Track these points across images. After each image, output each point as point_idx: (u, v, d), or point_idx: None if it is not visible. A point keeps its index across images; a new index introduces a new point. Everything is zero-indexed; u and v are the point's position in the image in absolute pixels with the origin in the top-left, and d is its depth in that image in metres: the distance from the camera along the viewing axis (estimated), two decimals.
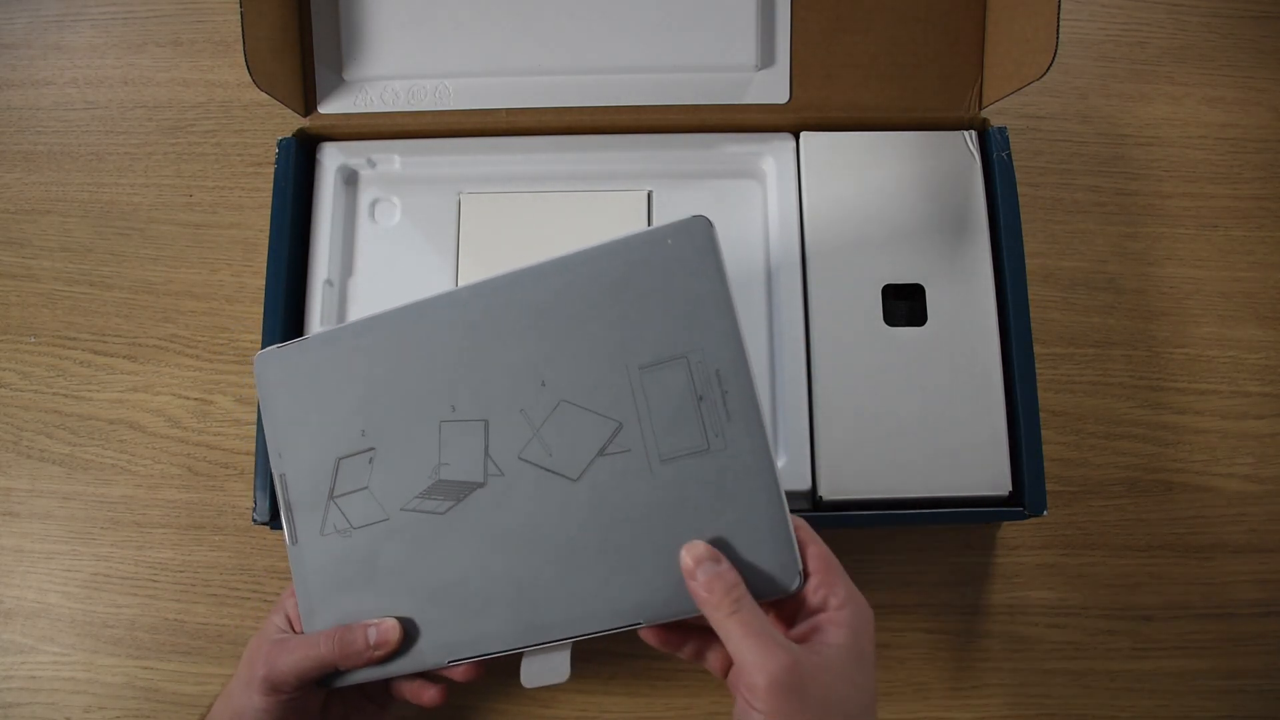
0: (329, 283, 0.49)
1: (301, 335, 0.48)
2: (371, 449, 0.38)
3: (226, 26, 0.60)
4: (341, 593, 0.39)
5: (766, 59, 0.50)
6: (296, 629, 0.40)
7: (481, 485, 0.37)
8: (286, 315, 0.47)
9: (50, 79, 0.60)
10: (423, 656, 0.38)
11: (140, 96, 0.59)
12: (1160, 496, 0.52)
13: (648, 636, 0.37)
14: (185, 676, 0.50)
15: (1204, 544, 0.51)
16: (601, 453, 0.36)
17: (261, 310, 0.47)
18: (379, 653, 0.37)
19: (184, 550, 0.51)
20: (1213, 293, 0.55)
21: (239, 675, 0.39)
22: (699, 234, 0.35)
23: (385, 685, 0.40)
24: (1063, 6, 0.41)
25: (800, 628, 0.34)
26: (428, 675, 0.39)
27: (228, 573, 0.51)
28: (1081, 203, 0.56)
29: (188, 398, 0.54)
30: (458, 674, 0.39)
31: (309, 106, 0.50)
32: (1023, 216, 0.48)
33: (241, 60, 0.44)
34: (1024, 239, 0.47)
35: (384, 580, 0.38)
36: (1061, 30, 0.41)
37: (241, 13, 0.43)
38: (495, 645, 0.37)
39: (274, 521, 0.45)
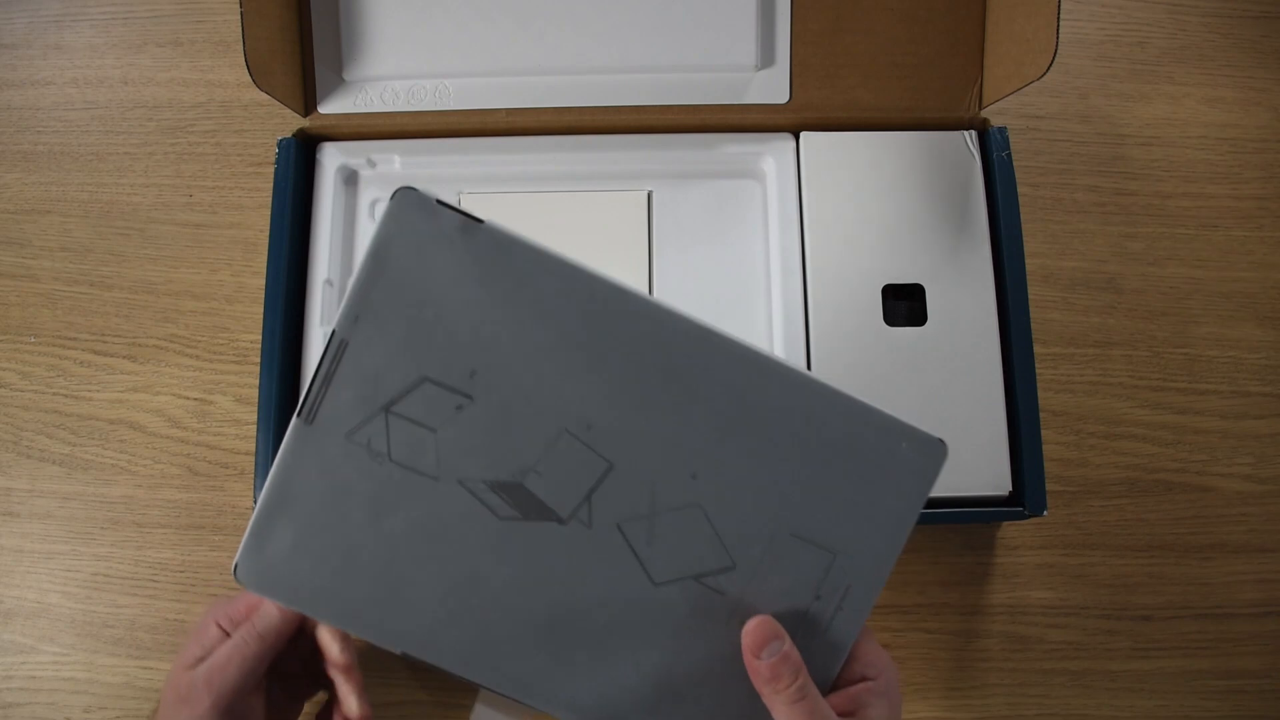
0: (329, 283, 0.49)
1: (302, 335, 0.48)
2: (468, 398, 0.31)
3: (226, 26, 0.60)
4: (326, 515, 0.32)
5: (766, 59, 0.50)
6: (223, 630, 0.37)
7: (562, 522, 0.32)
8: (286, 315, 0.47)
9: (50, 79, 0.59)
10: (380, 631, 0.33)
11: (140, 96, 0.59)
12: (1160, 496, 0.52)
13: None
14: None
15: (1204, 544, 0.51)
16: (698, 578, 0.33)
17: (261, 310, 0.47)
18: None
19: (184, 550, 0.51)
20: (1213, 293, 0.55)
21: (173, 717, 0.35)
22: (933, 462, 0.33)
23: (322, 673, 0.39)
24: (1063, 6, 0.41)
25: (837, 697, 0.34)
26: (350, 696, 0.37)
27: (228, 573, 0.51)
28: (1081, 203, 0.56)
29: (188, 398, 0.54)
30: (354, 710, 0.37)
31: (309, 106, 0.50)
32: (1023, 216, 0.48)
33: (241, 60, 0.44)
34: (1024, 239, 0.47)
35: (386, 535, 0.32)
36: (1061, 30, 0.41)
37: (241, 13, 0.43)
38: (468, 670, 0.33)
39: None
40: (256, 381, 0.46)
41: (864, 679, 0.34)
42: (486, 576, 0.32)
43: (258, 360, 0.46)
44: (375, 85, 0.50)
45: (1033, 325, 0.46)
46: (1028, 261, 0.48)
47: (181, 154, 0.58)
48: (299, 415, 0.31)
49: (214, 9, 0.60)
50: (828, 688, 0.34)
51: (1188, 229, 0.56)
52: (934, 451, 0.33)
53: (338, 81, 0.50)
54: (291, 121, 0.50)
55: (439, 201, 0.31)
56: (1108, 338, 0.54)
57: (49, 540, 0.52)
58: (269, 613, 0.36)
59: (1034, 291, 0.52)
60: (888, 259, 0.48)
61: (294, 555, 0.32)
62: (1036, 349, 0.47)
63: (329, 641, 0.37)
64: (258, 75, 0.45)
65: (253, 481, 0.45)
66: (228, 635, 0.37)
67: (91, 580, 0.51)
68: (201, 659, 0.36)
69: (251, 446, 0.52)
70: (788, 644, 0.32)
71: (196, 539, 0.52)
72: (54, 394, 0.54)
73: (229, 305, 0.55)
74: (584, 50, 0.50)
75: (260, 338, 0.47)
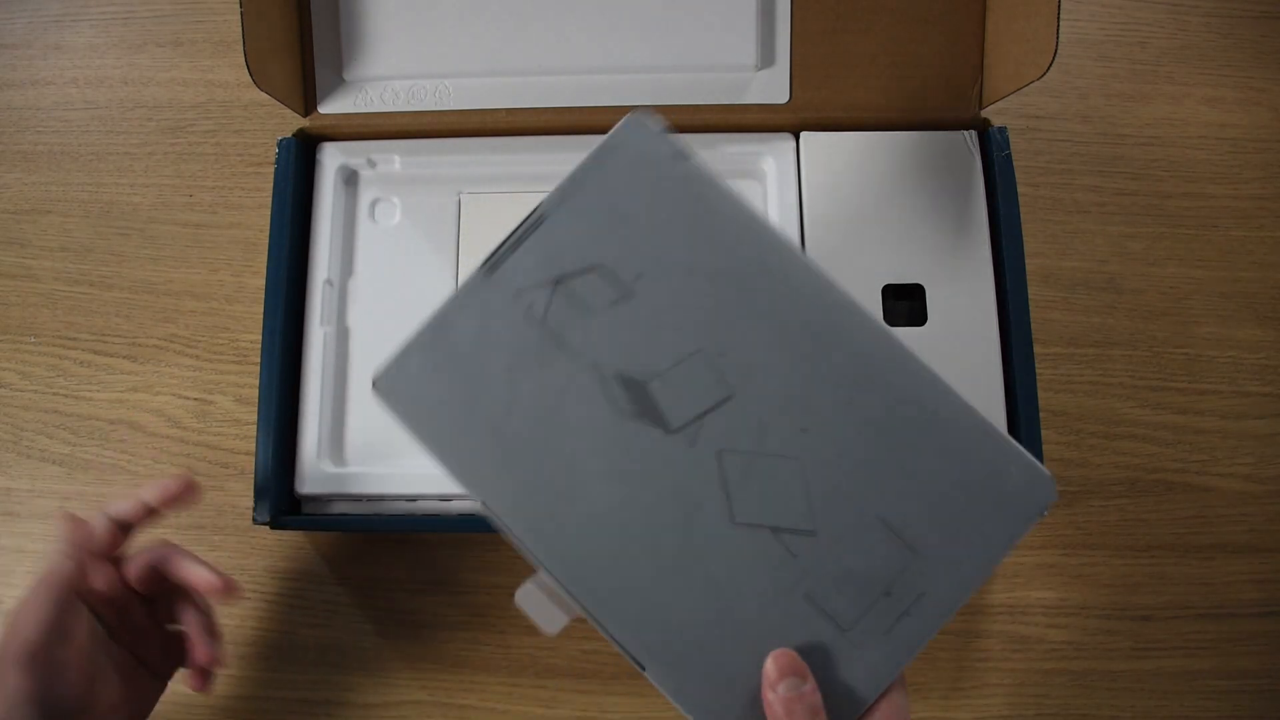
0: (329, 283, 0.49)
1: (302, 335, 0.48)
2: (628, 296, 0.34)
3: (226, 26, 0.60)
4: (470, 357, 0.34)
5: (766, 59, 0.50)
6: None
7: (669, 432, 0.33)
8: (286, 315, 0.47)
9: (50, 79, 0.60)
10: (472, 475, 0.34)
11: (140, 96, 0.59)
12: (1160, 496, 0.52)
13: None
14: (185, 676, 0.50)
15: (1204, 544, 0.51)
16: (776, 531, 0.33)
17: (261, 310, 0.47)
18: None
19: None
20: (1213, 293, 0.55)
21: None
22: (1040, 496, 0.33)
23: (166, 656, 0.41)
24: (1063, 6, 0.41)
25: None
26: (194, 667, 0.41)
27: (227, 573, 0.51)
28: (1081, 203, 0.56)
29: (188, 398, 0.54)
30: (202, 654, 0.40)
31: (309, 106, 0.50)
32: (1023, 216, 0.48)
33: (241, 60, 0.44)
34: (1024, 239, 0.47)
35: (512, 393, 0.34)
36: (1061, 30, 0.41)
37: (241, 13, 0.43)
38: (531, 540, 0.33)
39: (275, 520, 0.45)
40: (256, 381, 0.46)
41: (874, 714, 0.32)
42: (581, 460, 0.33)
43: (258, 360, 0.46)
44: (375, 85, 0.50)
45: (1033, 325, 0.46)
46: (1028, 261, 0.48)
47: (181, 154, 0.58)
48: (483, 266, 0.34)
49: (214, 9, 0.60)
50: (871, 699, 0.32)
51: (1188, 229, 0.56)
52: (1043, 486, 0.33)
53: (338, 81, 0.50)
54: (291, 121, 0.50)
55: (665, 130, 0.35)
56: (1108, 338, 0.54)
57: (49, 540, 0.52)
58: (72, 531, 0.38)
59: (1034, 291, 0.52)
60: (888, 259, 0.48)
61: (428, 383, 0.34)
62: (1036, 349, 0.47)
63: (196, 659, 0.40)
64: (258, 75, 0.45)
65: (252, 481, 0.46)
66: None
67: None
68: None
69: (251, 446, 0.52)
70: (809, 685, 0.31)
71: (196, 539, 0.52)
72: (54, 394, 0.54)
73: (229, 305, 0.55)
74: (584, 50, 0.50)
75: (260, 338, 0.47)
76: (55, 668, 0.36)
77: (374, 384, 0.34)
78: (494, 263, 0.34)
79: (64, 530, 0.40)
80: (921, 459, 0.33)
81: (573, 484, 0.33)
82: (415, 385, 0.34)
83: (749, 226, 0.34)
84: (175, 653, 0.42)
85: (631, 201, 0.34)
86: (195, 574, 0.40)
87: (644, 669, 0.32)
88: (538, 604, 0.33)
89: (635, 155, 0.35)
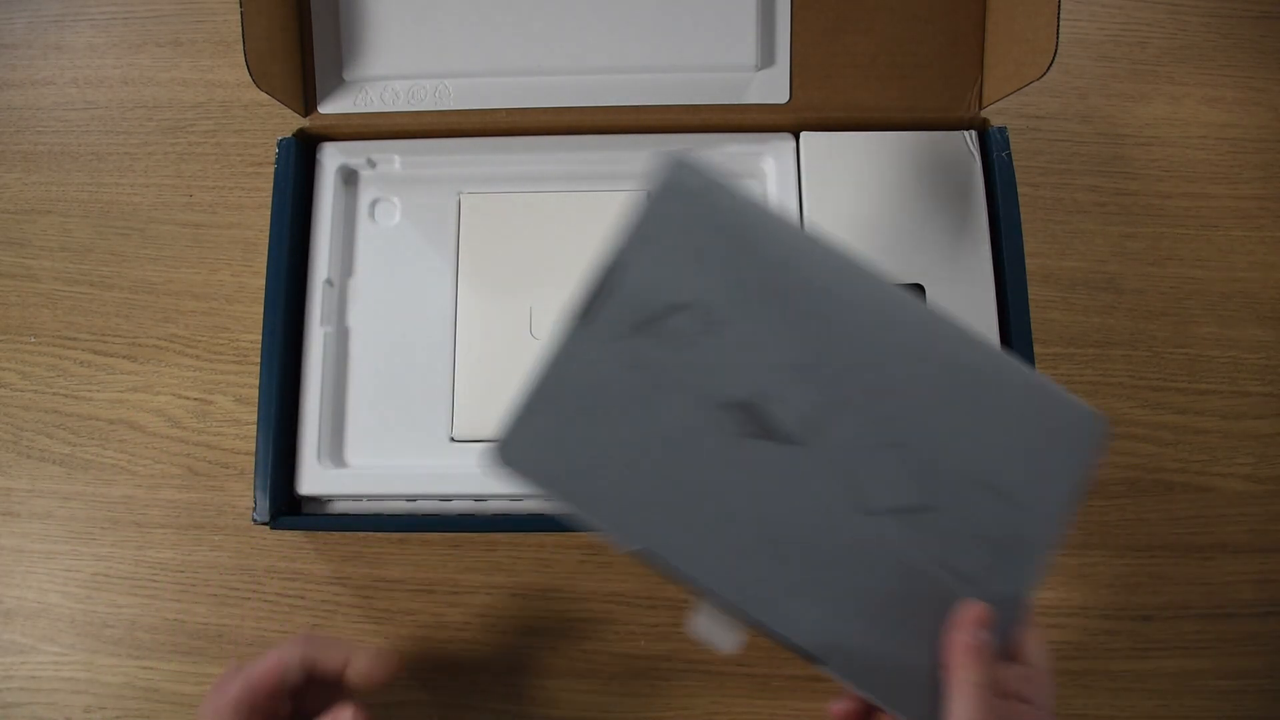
0: (329, 283, 0.49)
1: (302, 335, 0.48)
2: (724, 324, 0.35)
3: (226, 26, 0.60)
4: (586, 409, 0.35)
5: (766, 59, 0.50)
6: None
7: (792, 444, 0.35)
8: (286, 315, 0.47)
9: (50, 79, 0.60)
10: (619, 525, 0.35)
11: (140, 96, 0.59)
12: (1160, 496, 0.52)
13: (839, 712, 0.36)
14: (185, 676, 0.50)
15: (1204, 544, 0.51)
16: (902, 514, 0.35)
17: (261, 310, 0.47)
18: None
19: (184, 550, 0.51)
20: (1213, 293, 0.55)
21: None
22: (1097, 431, 0.36)
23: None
24: (1063, 6, 0.41)
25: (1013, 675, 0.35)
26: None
27: (228, 573, 0.51)
28: (1081, 203, 0.56)
29: (188, 398, 0.54)
30: (375, 669, 0.40)
31: (309, 106, 0.50)
32: (1023, 216, 0.48)
33: (241, 60, 0.44)
34: (1024, 239, 0.47)
35: (635, 435, 0.35)
36: (1061, 30, 0.41)
37: (241, 13, 0.43)
38: (696, 573, 0.34)
39: (275, 520, 0.45)
40: (256, 381, 0.46)
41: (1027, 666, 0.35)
42: (717, 487, 0.35)
43: (258, 360, 0.46)
44: (375, 85, 0.50)
45: (1033, 325, 0.46)
46: (1028, 261, 0.48)
47: (181, 154, 0.58)
48: (580, 316, 0.35)
49: (214, 9, 0.60)
50: (1019, 637, 0.35)
51: (1188, 229, 0.56)
52: (1096, 422, 0.36)
53: (338, 81, 0.50)
54: (291, 121, 0.50)
55: (705, 164, 0.37)
56: (1108, 338, 0.54)
57: (49, 540, 0.52)
58: (258, 663, 0.39)
59: (1034, 291, 0.52)
60: (888, 259, 0.48)
61: (554, 443, 0.35)
62: (1036, 349, 0.47)
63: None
64: (258, 75, 0.45)
65: (253, 481, 0.46)
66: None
67: (91, 580, 0.51)
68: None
69: (251, 446, 0.52)
70: (990, 638, 0.33)
71: (196, 539, 0.52)
72: (54, 394, 0.54)
73: (229, 305, 0.55)
74: (584, 50, 0.50)
75: (260, 338, 0.47)
76: None
77: (499, 454, 0.34)
78: (588, 314, 0.35)
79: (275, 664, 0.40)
80: (996, 421, 0.36)
81: (717, 512, 0.35)
82: (541, 448, 0.35)
83: (802, 240, 0.36)
84: None
85: (696, 237, 0.36)
86: (347, 665, 0.40)
87: (826, 665, 0.34)
88: (712, 630, 0.35)
89: (688, 194, 0.36)
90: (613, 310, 0.35)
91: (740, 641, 0.35)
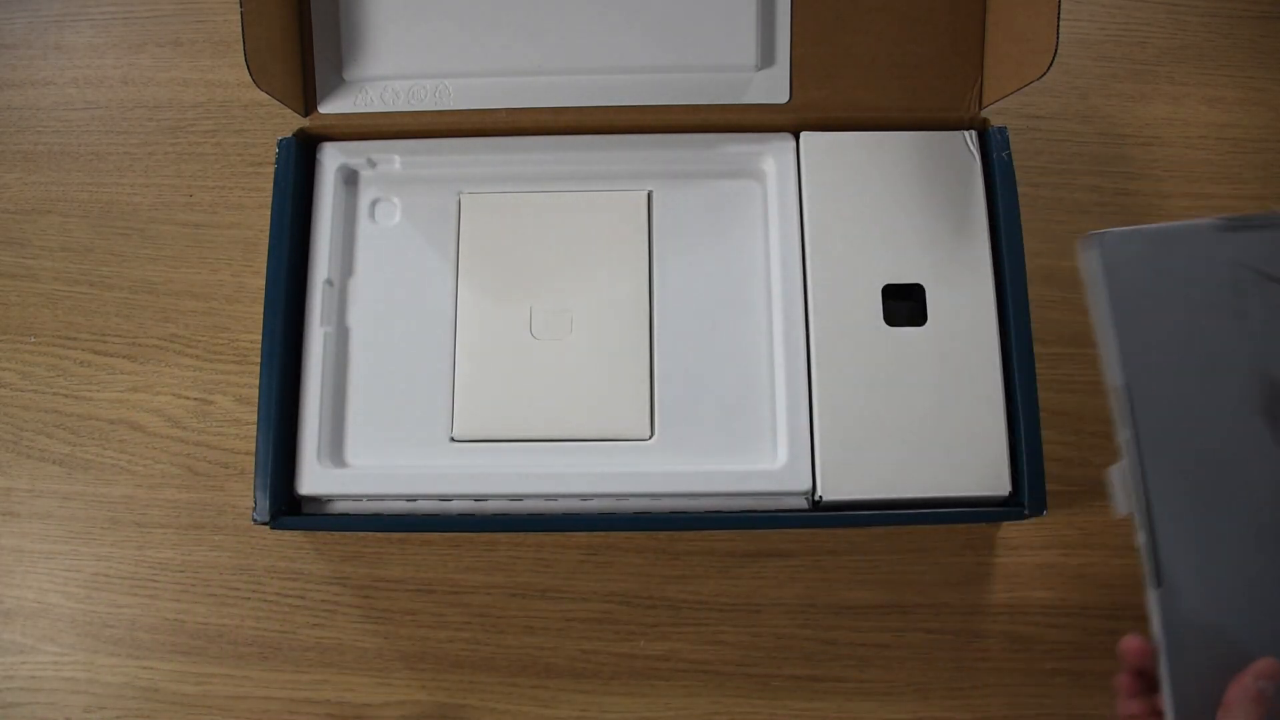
0: (329, 283, 0.49)
1: (302, 334, 0.48)
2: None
3: (226, 26, 0.60)
4: (1187, 293, 0.35)
5: (766, 59, 0.50)
6: None
7: None
8: (286, 315, 0.47)
9: (50, 79, 0.60)
10: (1132, 368, 0.35)
11: (140, 96, 0.59)
12: None
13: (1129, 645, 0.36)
14: (185, 676, 0.50)
15: None
16: None
17: (261, 310, 0.47)
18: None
19: (184, 550, 0.52)
20: None
21: None
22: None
23: None
24: (1063, 6, 0.41)
25: None
26: None
27: (228, 573, 0.51)
28: (1081, 203, 0.56)
29: (188, 398, 0.54)
30: None
31: (309, 106, 0.50)
32: (1023, 216, 0.48)
33: (241, 60, 0.44)
34: (1024, 239, 0.47)
35: (1199, 343, 0.34)
36: (1061, 30, 0.41)
37: (241, 13, 0.43)
38: (1155, 484, 0.34)
39: (275, 520, 0.45)
40: (256, 381, 0.46)
41: None
42: (1232, 448, 0.34)
43: (258, 360, 0.46)
44: (375, 85, 0.50)
45: (1033, 325, 0.46)
46: (1028, 261, 0.48)
47: (181, 154, 0.58)
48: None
49: (214, 9, 0.60)
50: None
51: None
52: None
53: (338, 81, 0.50)
54: (291, 121, 0.50)
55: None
56: None
57: (49, 540, 0.52)
58: None
59: (1034, 291, 0.52)
60: (888, 259, 0.48)
61: (1141, 268, 0.35)
62: (1037, 349, 0.47)
63: None
64: (258, 75, 0.45)
65: (253, 481, 0.46)
66: None
67: (91, 580, 0.51)
68: None
69: (251, 446, 0.52)
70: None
71: (196, 539, 0.52)
72: (54, 394, 0.54)
73: (229, 305, 0.55)
74: (584, 50, 0.50)
75: (260, 338, 0.47)
76: None
77: (1092, 238, 0.35)
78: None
79: None
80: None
81: (1220, 472, 0.34)
82: (1130, 267, 0.35)
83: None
84: None
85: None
86: None
87: (1164, 627, 0.34)
88: (1116, 486, 0.35)
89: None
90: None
91: (1124, 514, 0.35)
